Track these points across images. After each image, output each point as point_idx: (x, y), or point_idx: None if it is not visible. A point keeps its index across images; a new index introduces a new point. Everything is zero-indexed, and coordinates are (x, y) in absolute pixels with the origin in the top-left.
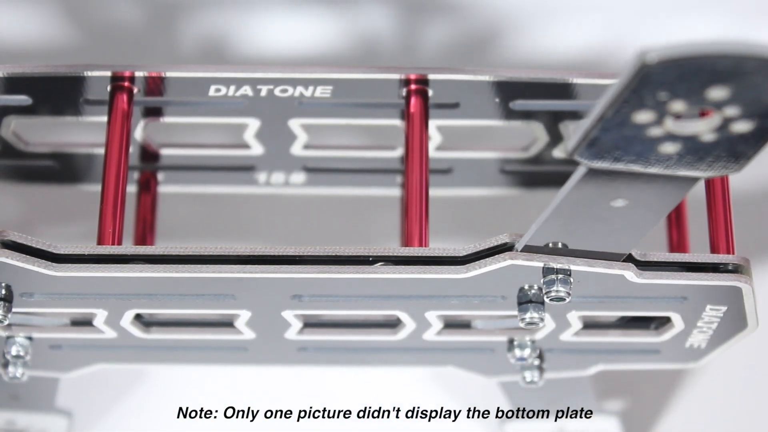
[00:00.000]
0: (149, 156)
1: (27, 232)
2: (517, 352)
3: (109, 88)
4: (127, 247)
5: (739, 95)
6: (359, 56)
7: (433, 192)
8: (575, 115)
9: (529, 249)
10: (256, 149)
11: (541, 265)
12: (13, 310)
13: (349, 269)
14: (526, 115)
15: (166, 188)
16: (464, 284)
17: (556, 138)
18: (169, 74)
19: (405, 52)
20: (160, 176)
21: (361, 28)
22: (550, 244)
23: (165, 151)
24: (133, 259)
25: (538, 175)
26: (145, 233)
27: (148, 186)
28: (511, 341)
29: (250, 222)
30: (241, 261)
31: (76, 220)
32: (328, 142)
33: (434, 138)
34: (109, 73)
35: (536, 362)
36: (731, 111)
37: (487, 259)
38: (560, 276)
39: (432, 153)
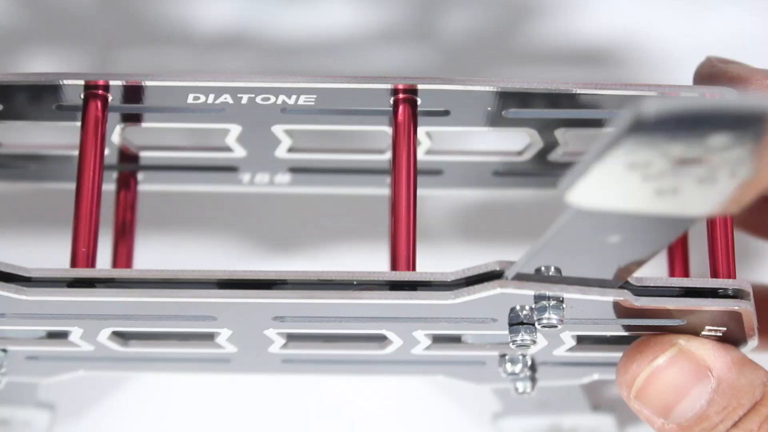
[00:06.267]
0: (128, 158)
1: None
2: (509, 367)
3: (82, 96)
4: (101, 270)
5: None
6: (378, 40)
7: (424, 192)
8: (571, 123)
9: (519, 276)
10: (239, 152)
11: (533, 293)
12: None
13: (333, 294)
14: (520, 122)
15: (146, 186)
16: (453, 308)
17: (550, 144)
18: (145, 83)
19: (425, 37)
20: (140, 175)
21: (380, 12)
22: (543, 268)
23: (144, 153)
24: (108, 283)
25: (531, 178)
26: (125, 231)
27: (127, 184)
28: (502, 356)
29: (233, 220)
30: (220, 284)
31: (51, 217)
32: (314, 146)
33: (424, 143)
34: (81, 82)
35: (528, 373)
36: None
37: (476, 286)
38: (552, 302)
39: (421, 156)
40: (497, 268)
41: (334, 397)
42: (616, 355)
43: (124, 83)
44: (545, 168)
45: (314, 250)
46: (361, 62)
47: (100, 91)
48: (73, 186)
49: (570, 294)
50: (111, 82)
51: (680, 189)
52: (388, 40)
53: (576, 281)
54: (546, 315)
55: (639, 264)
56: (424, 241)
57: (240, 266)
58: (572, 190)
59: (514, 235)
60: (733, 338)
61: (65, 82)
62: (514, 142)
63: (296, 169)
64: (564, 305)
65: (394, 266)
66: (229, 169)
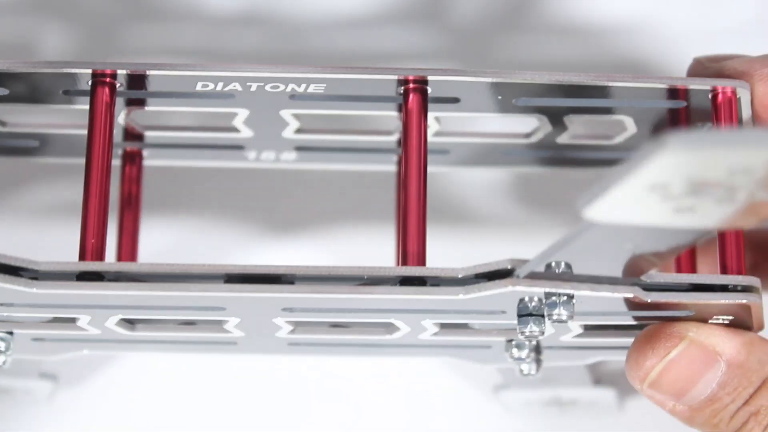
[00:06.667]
0: (133, 137)
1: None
2: (515, 353)
3: (89, 83)
4: (111, 264)
5: None
6: (389, 17)
7: (431, 169)
8: (581, 110)
9: (531, 275)
10: (246, 133)
11: (544, 290)
12: None
13: (343, 289)
14: (530, 110)
15: (151, 162)
16: (462, 302)
17: (560, 128)
18: (154, 73)
19: (436, 14)
20: (146, 152)
21: None
22: (553, 264)
23: (149, 133)
24: (118, 277)
25: (539, 158)
26: (130, 203)
27: (132, 159)
28: (509, 341)
29: (239, 196)
30: (230, 278)
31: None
32: (322, 127)
33: (432, 126)
34: (89, 71)
35: (533, 356)
36: None
37: (487, 283)
38: (563, 298)
39: (430, 138)
40: (508, 266)
41: (336, 375)
42: (622, 340)
43: (132, 72)
44: (554, 150)
45: (319, 226)
46: (371, 40)
47: (108, 79)
48: (79, 161)
49: (581, 291)
50: (119, 71)
51: (698, 208)
52: (398, 17)
53: (587, 279)
54: (556, 311)
55: (652, 266)
56: (432, 215)
57: (246, 243)
58: (590, 207)
59: (522, 212)
60: (741, 325)
61: (72, 71)
62: (523, 124)
63: (303, 148)
64: (574, 300)
65: (404, 260)
66: (235, 147)
